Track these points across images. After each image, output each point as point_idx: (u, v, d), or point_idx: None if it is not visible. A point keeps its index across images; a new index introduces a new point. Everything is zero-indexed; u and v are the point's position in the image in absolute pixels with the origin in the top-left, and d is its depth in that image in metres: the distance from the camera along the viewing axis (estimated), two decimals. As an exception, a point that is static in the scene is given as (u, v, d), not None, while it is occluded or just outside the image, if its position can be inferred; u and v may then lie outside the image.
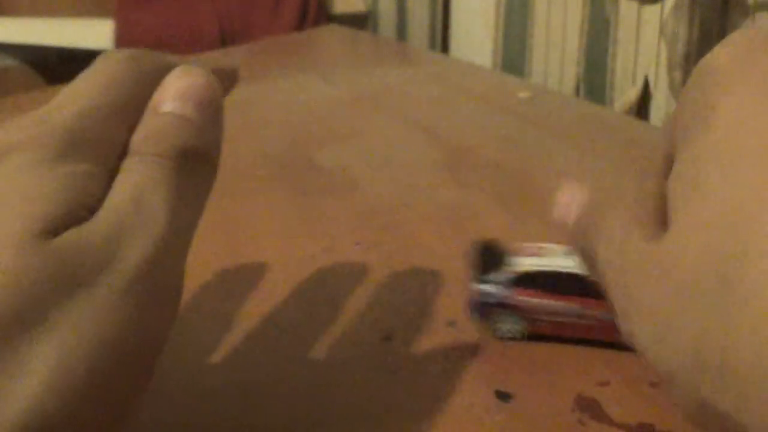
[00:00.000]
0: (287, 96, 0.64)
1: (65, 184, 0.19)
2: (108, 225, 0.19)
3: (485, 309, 0.30)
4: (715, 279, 0.16)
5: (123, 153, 0.21)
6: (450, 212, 0.42)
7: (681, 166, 0.19)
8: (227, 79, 0.26)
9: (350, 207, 0.43)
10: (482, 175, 0.47)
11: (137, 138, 0.21)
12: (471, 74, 0.70)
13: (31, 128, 0.20)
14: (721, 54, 0.19)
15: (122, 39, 0.92)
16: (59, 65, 0.99)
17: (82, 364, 0.17)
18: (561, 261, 0.29)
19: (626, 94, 0.62)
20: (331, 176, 0.47)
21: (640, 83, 0.61)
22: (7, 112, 0.60)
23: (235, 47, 0.85)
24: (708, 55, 0.20)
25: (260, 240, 0.39)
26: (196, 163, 0.22)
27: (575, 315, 0.29)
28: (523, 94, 0.61)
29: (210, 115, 0.23)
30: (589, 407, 0.27)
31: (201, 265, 0.36)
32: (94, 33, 0.95)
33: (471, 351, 0.30)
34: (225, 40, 0.92)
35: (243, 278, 0.36)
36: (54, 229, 0.18)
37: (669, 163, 0.21)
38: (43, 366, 0.17)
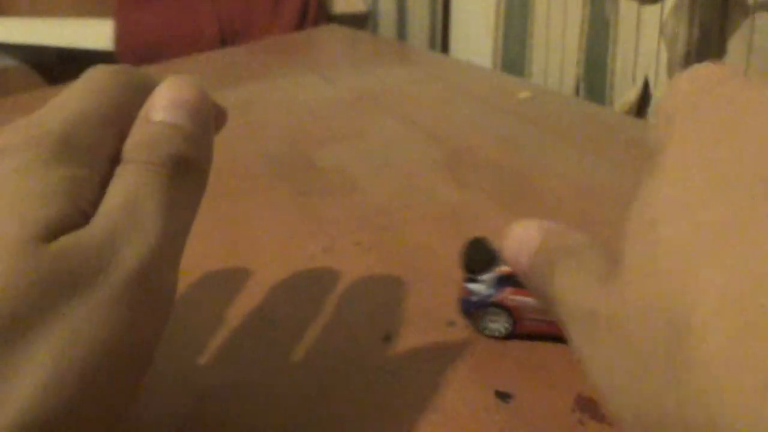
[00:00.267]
0: (287, 96, 0.64)
1: (61, 187, 0.19)
2: (103, 230, 0.19)
3: (474, 307, 0.30)
4: (664, 339, 0.15)
5: (115, 160, 0.22)
6: (450, 212, 0.42)
7: (630, 211, 0.19)
8: (216, 117, 0.26)
9: (350, 207, 0.43)
10: (482, 175, 0.47)
11: (130, 145, 0.22)
12: (471, 74, 0.70)
13: (25, 131, 0.21)
14: (669, 96, 0.19)
15: (122, 39, 0.92)
16: (59, 65, 0.99)
17: (77, 365, 0.18)
18: None
19: (626, 94, 0.62)
20: (331, 176, 0.47)
21: (640, 83, 0.61)
22: (7, 112, 0.60)
23: (235, 47, 0.85)
24: (663, 94, 0.20)
25: (260, 240, 0.39)
26: (187, 171, 0.22)
27: None
28: (523, 95, 0.61)
29: (201, 123, 0.23)
30: (589, 407, 0.27)
31: (200, 264, 0.36)
32: (94, 33, 0.95)
33: (471, 351, 0.30)
34: (225, 40, 0.92)
35: (242, 278, 0.36)
36: (50, 233, 0.18)
37: None
38: (39, 367, 0.17)
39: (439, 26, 0.85)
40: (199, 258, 0.36)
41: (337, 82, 0.67)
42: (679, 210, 0.16)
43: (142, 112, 0.23)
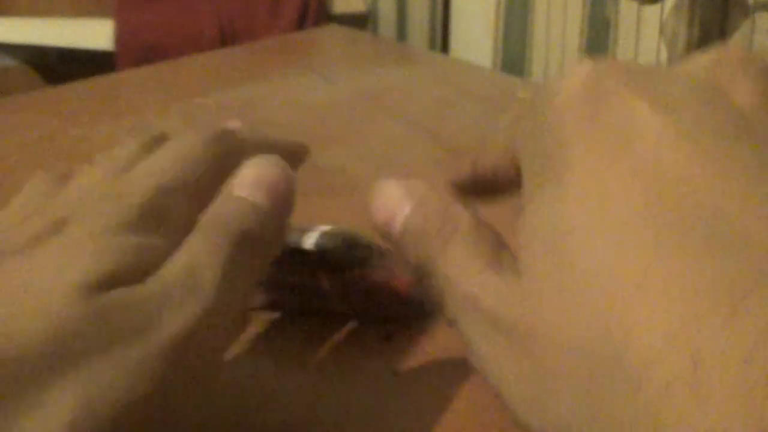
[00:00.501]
0: (287, 96, 0.64)
1: (128, 250, 0.20)
2: (154, 290, 0.20)
3: None
4: (588, 370, 0.15)
5: (191, 229, 0.22)
6: (450, 212, 0.42)
7: (533, 218, 0.19)
8: (297, 155, 0.29)
9: (350, 207, 0.43)
10: (482, 175, 0.47)
11: (206, 215, 0.22)
12: (471, 74, 0.70)
13: (109, 197, 0.22)
14: (561, 93, 0.19)
15: (122, 39, 0.92)
16: (59, 65, 0.99)
17: (101, 413, 0.18)
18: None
19: (626, 94, 0.62)
20: (331, 176, 0.47)
21: (640, 83, 0.61)
22: (7, 112, 0.60)
23: (235, 47, 0.85)
24: (551, 89, 0.20)
25: (260, 240, 0.39)
26: (254, 246, 0.22)
27: None
28: (523, 95, 0.61)
29: (279, 204, 0.24)
30: (589, 407, 0.27)
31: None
32: (94, 33, 0.95)
33: (471, 351, 0.30)
34: (225, 40, 0.92)
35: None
36: (106, 285, 0.19)
37: (509, 170, 0.22)
38: (61, 408, 0.17)
39: (439, 26, 0.85)
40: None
41: (337, 82, 0.67)
42: (593, 228, 0.16)
43: (225, 187, 0.23)
